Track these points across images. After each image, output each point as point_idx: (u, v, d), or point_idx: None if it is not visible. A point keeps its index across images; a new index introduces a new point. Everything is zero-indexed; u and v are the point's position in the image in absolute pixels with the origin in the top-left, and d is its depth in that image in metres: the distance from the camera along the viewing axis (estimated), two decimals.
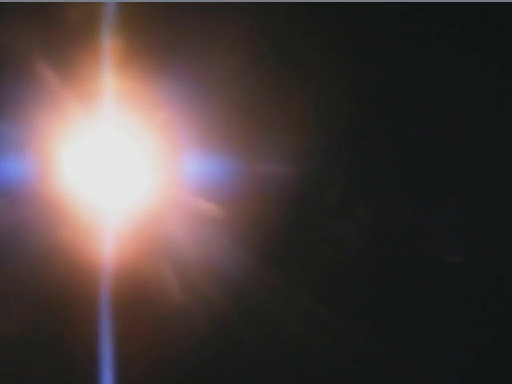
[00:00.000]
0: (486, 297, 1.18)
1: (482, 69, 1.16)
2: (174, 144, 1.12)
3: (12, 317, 1.11)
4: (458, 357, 1.17)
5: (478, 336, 1.17)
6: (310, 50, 1.13)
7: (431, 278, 1.18)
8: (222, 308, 1.13)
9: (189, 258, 1.12)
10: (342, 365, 1.16)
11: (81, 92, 1.09)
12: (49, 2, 1.08)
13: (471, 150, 1.18)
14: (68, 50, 1.08)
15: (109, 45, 1.08)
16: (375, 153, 1.17)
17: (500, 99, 1.18)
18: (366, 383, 1.17)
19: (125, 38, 1.08)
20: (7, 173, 1.10)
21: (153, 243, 1.11)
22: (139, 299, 1.11)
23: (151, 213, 1.11)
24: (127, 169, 1.12)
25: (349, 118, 1.15)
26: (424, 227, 1.19)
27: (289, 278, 1.14)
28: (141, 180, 1.12)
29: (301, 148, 1.14)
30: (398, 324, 1.16)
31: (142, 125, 1.11)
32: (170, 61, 1.10)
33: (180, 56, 1.10)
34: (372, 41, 1.15)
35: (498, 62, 1.16)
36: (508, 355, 1.18)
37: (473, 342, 1.17)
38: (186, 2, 1.09)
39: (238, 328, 1.13)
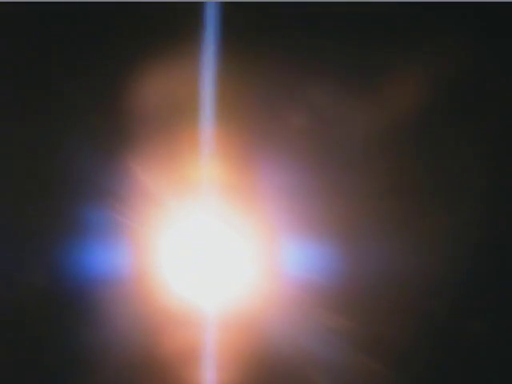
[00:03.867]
0: None
1: None
2: (275, 231, 1.06)
3: None
4: None
5: None
6: None
7: None
8: None
9: (295, 354, 1.06)
10: None
11: (174, 178, 1.04)
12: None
13: None
14: None
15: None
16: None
17: None
18: None
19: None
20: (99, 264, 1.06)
21: (256, 341, 1.06)
22: None
23: (254, 308, 1.06)
24: (227, 260, 1.07)
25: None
26: None
27: None
28: (242, 272, 1.07)
29: None
30: None
31: (241, 213, 1.05)
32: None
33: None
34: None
35: None
36: None
37: None
38: None
39: None
